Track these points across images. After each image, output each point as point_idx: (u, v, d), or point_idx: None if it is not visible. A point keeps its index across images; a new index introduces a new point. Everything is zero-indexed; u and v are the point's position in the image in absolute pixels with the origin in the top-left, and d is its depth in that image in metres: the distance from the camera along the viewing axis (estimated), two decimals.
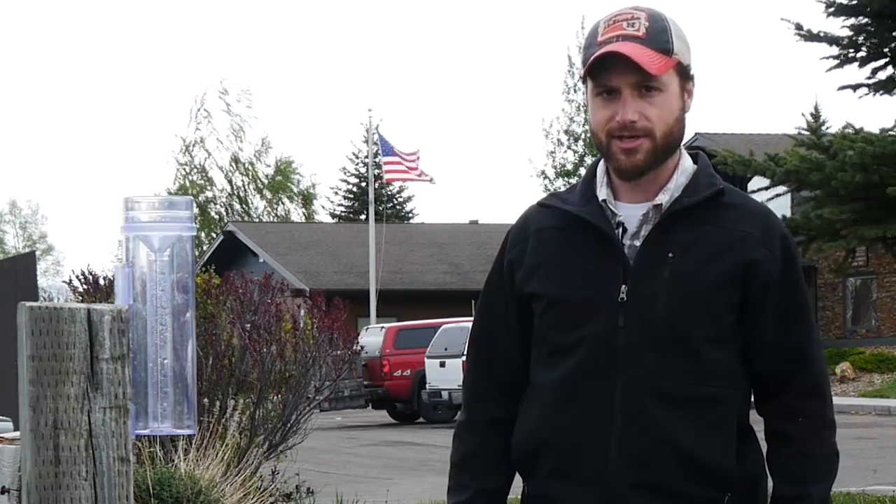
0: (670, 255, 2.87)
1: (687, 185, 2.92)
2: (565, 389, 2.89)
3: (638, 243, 2.89)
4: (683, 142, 3.01)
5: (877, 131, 15.75)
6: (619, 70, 2.85)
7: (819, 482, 2.90)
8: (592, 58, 2.85)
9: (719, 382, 2.87)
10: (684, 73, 2.92)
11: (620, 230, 2.91)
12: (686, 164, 2.96)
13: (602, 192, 2.93)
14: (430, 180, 36.89)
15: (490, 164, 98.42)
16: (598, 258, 2.90)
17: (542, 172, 52.56)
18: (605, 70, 2.86)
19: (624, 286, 2.87)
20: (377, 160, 38.22)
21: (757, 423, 2.95)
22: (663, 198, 2.91)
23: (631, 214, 2.92)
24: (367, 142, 52.75)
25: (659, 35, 2.88)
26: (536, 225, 3.00)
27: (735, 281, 2.87)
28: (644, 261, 2.88)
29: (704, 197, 2.90)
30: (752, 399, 2.97)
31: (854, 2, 15.40)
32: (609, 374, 2.86)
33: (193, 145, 62.75)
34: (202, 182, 62.78)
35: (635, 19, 2.89)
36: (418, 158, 36.49)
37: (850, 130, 15.83)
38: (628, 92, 2.86)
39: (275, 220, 61.77)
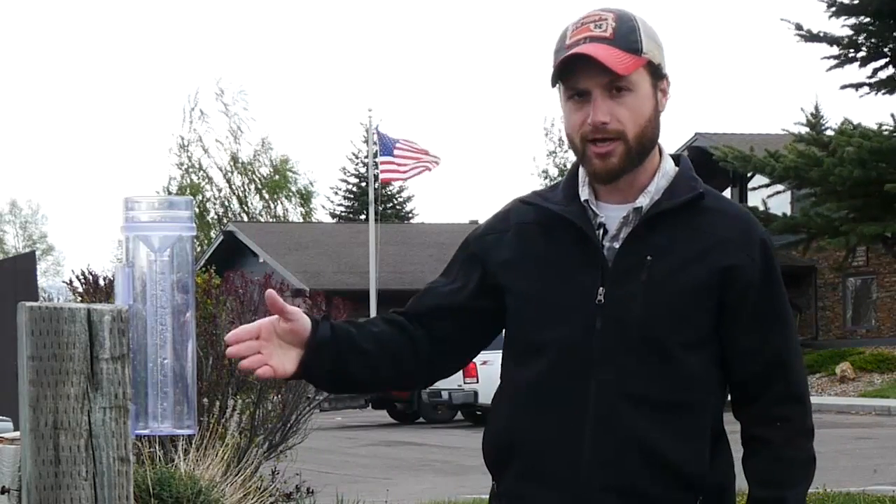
0: (648, 258, 2.84)
1: (667, 187, 2.90)
2: (538, 389, 2.87)
3: (617, 245, 2.87)
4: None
5: (874, 127, 15.76)
6: (588, 72, 2.83)
7: (795, 486, 2.88)
8: (559, 61, 2.84)
9: (694, 387, 2.84)
10: (656, 73, 2.89)
11: (601, 231, 2.89)
12: (667, 167, 2.94)
13: (584, 193, 2.91)
14: (435, 163, 36.31)
15: (490, 164, 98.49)
16: (578, 259, 2.88)
17: (545, 172, 52.65)
18: (573, 73, 2.85)
19: (602, 288, 2.84)
20: (376, 161, 38.21)
21: (729, 420, 2.94)
22: (643, 200, 2.88)
23: (612, 216, 2.89)
24: (367, 142, 52.73)
25: (627, 35, 2.85)
26: (518, 219, 2.97)
27: (712, 286, 2.84)
28: (622, 264, 2.85)
29: (684, 201, 2.88)
30: (728, 401, 2.95)
31: (855, 1, 15.40)
32: (583, 377, 2.83)
33: (189, 145, 62.80)
34: (199, 181, 62.78)
35: (602, 20, 2.87)
36: (417, 152, 36.16)
37: (849, 126, 15.83)
38: (598, 93, 2.84)
39: (273, 220, 61.79)
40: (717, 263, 2.85)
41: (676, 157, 2.99)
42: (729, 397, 2.96)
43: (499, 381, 3.02)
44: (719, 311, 2.86)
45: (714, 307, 2.85)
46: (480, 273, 2.98)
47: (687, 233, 2.87)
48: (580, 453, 2.82)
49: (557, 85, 2.90)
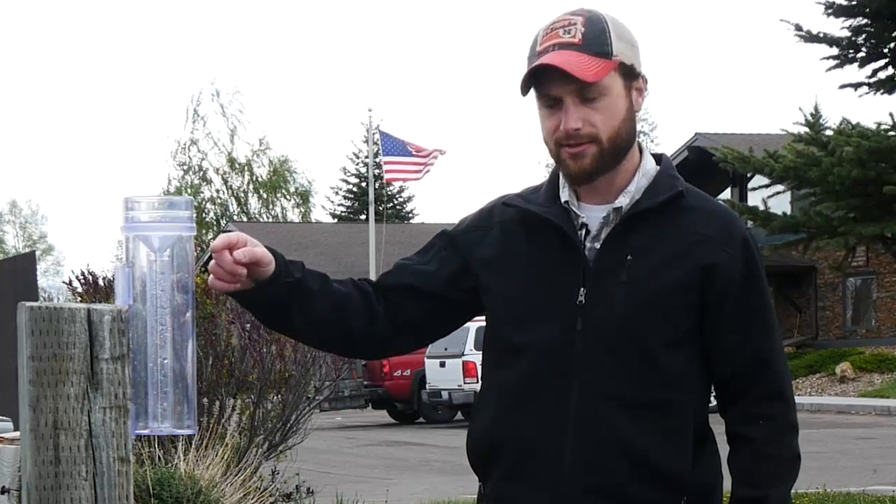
0: (629, 257, 2.84)
1: (647, 187, 2.90)
2: (520, 391, 2.86)
3: (598, 246, 2.87)
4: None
5: (873, 127, 15.76)
6: (557, 80, 2.82)
7: (778, 485, 2.87)
8: (527, 72, 2.83)
9: (676, 387, 2.84)
10: (629, 73, 2.87)
11: (583, 232, 2.89)
12: (648, 167, 2.93)
13: (564, 194, 2.91)
14: (438, 155, 36.01)
15: (490, 165, 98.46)
16: (560, 259, 2.88)
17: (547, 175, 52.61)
18: (544, 81, 2.83)
19: (583, 289, 2.84)
20: (377, 160, 38.12)
21: (716, 421, 2.93)
22: (623, 200, 2.88)
23: (593, 216, 2.89)
24: (367, 142, 52.75)
25: (597, 38, 2.83)
26: (501, 217, 2.98)
27: (693, 284, 2.84)
28: (602, 264, 2.85)
29: (663, 199, 2.88)
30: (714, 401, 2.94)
31: (853, 2, 15.41)
32: (565, 378, 2.83)
33: (190, 145, 62.76)
34: (198, 182, 62.72)
35: (571, 25, 2.85)
36: (429, 155, 36.00)
37: (847, 126, 15.83)
38: (570, 100, 2.83)
39: (271, 220, 61.73)
40: (698, 262, 2.84)
41: (658, 157, 2.99)
42: (714, 396, 2.96)
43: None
44: (701, 310, 2.85)
45: (695, 306, 2.84)
46: (459, 266, 2.98)
47: (667, 232, 2.87)
48: (562, 454, 2.82)
49: (525, 93, 2.87)
